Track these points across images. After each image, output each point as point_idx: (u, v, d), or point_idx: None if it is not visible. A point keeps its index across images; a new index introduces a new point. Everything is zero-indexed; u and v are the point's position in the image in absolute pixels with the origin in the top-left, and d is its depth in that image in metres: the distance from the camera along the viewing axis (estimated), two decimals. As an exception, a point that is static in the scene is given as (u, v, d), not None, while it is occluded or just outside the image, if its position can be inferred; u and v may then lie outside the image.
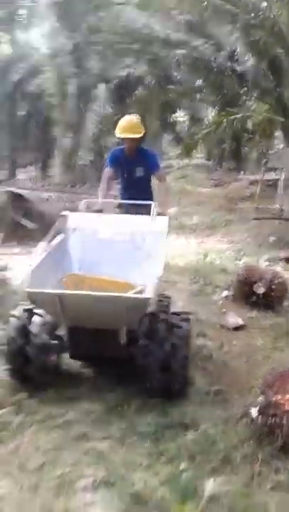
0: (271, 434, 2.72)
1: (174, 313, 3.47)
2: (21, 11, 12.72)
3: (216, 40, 12.83)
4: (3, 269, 6.14)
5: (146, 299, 3.07)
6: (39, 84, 13.94)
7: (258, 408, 2.80)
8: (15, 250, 7.59)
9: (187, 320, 3.41)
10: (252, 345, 4.22)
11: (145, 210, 3.96)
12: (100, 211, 4.27)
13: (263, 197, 11.26)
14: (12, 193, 9.53)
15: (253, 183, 13.15)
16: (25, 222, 9.21)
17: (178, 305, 5.07)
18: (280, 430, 2.68)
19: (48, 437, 2.90)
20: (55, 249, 3.59)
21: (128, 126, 4.55)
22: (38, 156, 18.32)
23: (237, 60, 13.06)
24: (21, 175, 16.27)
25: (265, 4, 9.66)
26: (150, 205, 3.82)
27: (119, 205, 4.88)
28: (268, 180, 12.18)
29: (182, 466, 2.50)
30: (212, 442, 2.82)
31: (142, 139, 4.62)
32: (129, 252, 3.72)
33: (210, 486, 2.33)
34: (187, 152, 12.48)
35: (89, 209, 4.29)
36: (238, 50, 12.93)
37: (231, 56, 13.00)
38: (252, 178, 13.83)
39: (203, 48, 12.57)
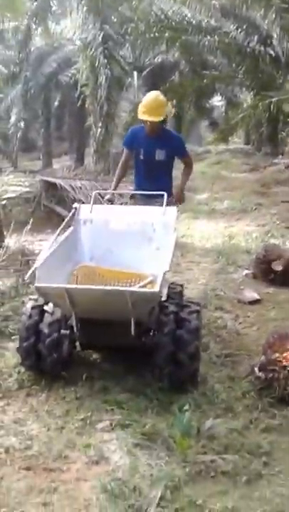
0: (270, 387, 3.04)
1: (185, 305, 3.40)
2: (53, 3, 13.10)
3: (249, 24, 12.84)
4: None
5: (154, 293, 3.04)
6: (72, 75, 14.40)
7: (258, 365, 3.10)
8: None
9: (197, 312, 3.36)
10: (265, 316, 4.49)
11: (157, 202, 3.90)
12: (111, 201, 4.23)
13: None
14: (45, 181, 9.98)
15: (289, 166, 13.14)
16: (59, 210, 9.67)
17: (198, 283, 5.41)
18: (278, 383, 2.99)
19: (73, 390, 3.30)
20: (66, 241, 3.62)
21: (152, 106, 4.11)
22: (72, 146, 18.90)
23: (271, 43, 13.05)
24: (56, 164, 16.82)
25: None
26: (163, 195, 3.81)
27: (132, 196, 4.57)
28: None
29: (186, 407, 2.82)
30: (218, 395, 3.15)
31: (166, 119, 4.27)
32: (139, 243, 3.74)
33: (209, 424, 2.66)
34: (223, 137, 12.41)
35: (101, 200, 4.34)
36: (272, 33, 12.92)
37: (265, 40, 12.99)
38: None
39: (236, 33, 12.62)
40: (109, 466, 2.62)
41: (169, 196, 3.90)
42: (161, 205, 3.80)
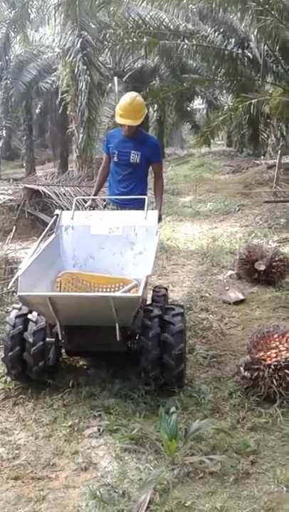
0: (256, 386, 3.06)
1: (169, 308, 3.39)
2: (31, 10, 13.14)
3: (226, 28, 12.97)
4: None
5: (137, 297, 3.00)
6: (53, 82, 14.40)
7: (243, 365, 3.12)
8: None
9: (181, 314, 3.34)
10: (250, 316, 4.52)
11: (135, 207, 3.87)
12: (93, 207, 4.20)
13: (283, 181, 11.39)
14: (29, 189, 9.94)
15: (271, 167, 13.25)
16: (44, 217, 9.63)
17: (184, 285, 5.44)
18: (263, 382, 3.01)
19: (60, 397, 3.29)
20: (48, 248, 3.58)
21: (129, 109, 3.94)
22: (55, 152, 18.91)
23: (248, 46, 13.19)
24: (39, 171, 16.79)
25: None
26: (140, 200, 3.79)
27: (105, 205, 4.40)
28: (288, 164, 12.21)
29: (173, 409, 2.83)
30: (204, 396, 3.17)
31: (143, 120, 4.06)
32: (122, 248, 3.73)
33: (196, 425, 2.67)
34: (205, 140, 12.46)
35: (82, 206, 4.30)
36: (250, 36, 13.07)
37: (243, 42, 13.13)
38: (270, 162, 13.92)
39: (213, 37, 12.73)
40: (98, 472, 2.62)
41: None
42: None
